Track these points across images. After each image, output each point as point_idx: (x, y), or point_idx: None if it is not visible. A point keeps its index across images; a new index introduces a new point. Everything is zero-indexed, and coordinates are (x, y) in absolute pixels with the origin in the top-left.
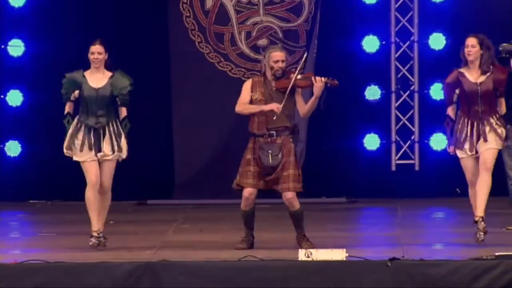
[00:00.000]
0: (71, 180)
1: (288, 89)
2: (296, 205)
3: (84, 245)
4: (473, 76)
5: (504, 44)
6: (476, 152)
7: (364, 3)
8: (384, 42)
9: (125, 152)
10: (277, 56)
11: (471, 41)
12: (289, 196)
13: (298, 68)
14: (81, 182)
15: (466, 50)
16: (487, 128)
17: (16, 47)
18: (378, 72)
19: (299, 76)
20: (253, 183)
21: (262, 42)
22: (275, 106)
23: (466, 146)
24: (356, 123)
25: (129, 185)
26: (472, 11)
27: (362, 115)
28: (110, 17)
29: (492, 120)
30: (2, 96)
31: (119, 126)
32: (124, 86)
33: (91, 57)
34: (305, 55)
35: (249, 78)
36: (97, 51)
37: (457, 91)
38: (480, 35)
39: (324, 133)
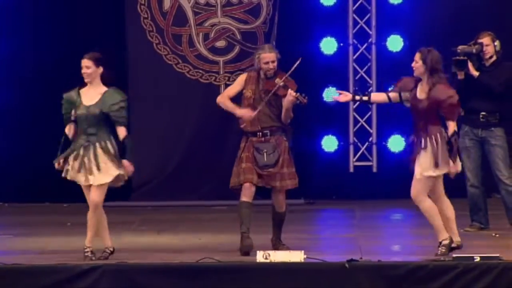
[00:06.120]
0: (28, 182)
1: (269, 94)
2: (284, 206)
3: (41, 247)
4: (421, 90)
5: (462, 46)
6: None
7: (322, 5)
8: (342, 44)
9: (117, 172)
10: (267, 57)
11: (416, 56)
12: (281, 197)
13: (285, 76)
14: (38, 184)
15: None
16: (422, 151)
17: None
18: (336, 74)
19: (281, 83)
20: (246, 177)
21: (220, 43)
22: (247, 115)
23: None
24: (314, 124)
25: None
26: (430, 13)
27: (320, 117)
28: (66, 18)
29: (428, 142)
30: None
31: (111, 147)
32: (114, 102)
33: (82, 71)
34: (297, 62)
35: (207, 80)
36: (84, 65)
37: (407, 94)
38: (425, 50)
39: None
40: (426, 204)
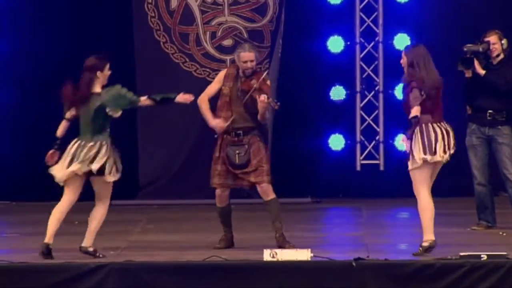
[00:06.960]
0: (36, 181)
1: (247, 96)
2: (271, 194)
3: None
4: None
5: (469, 44)
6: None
7: (328, 3)
8: (348, 43)
9: None
10: (245, 56)
11: (403, 53)
12: (264, 186)
13: (262, 77)
14: (45, 183)
15: None
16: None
17: None
18: (343, 73)
19: (257, 86)
20: (220, 182)
21: (227, 42)
22: (219, 126)
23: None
24: (321, 123)
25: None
26: (437, 11)
27: (327, 115)
28: (68, 17)
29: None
30: None
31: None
32: None
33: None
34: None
35: (214, 78)
36: None
37: None
38: (410, 46)
39: (289, 133)
40: (420, 198)
